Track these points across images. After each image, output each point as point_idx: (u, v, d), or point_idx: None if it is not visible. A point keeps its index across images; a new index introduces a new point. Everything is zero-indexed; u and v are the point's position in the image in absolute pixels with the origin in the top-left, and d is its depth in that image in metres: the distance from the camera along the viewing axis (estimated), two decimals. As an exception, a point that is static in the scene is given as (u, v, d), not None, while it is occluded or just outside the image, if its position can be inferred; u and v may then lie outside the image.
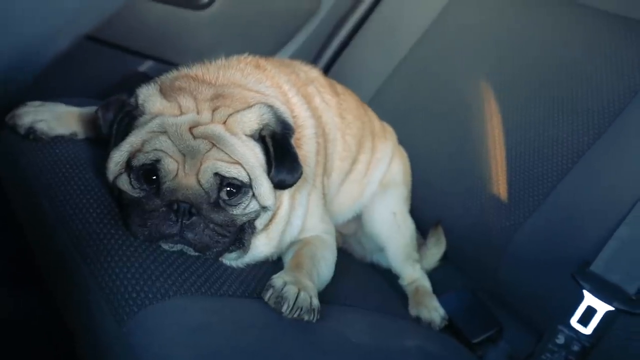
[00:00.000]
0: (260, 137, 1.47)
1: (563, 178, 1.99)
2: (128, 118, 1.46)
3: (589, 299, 1.79)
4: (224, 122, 1.44)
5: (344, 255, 1.97)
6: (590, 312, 1.78)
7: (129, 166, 1.42)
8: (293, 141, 1.54)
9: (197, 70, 1.64)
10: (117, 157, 1.43)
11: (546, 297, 1.95)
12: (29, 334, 1.86)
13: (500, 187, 2.12)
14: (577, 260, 1.85)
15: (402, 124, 2.36)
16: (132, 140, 1.42)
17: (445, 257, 2.23)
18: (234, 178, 1.41)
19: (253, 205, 1.46)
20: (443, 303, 2.02)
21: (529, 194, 2.05)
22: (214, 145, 1.40)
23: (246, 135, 1.46)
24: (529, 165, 2.08)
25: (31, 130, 1.61)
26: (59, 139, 1.66)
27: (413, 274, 2.09)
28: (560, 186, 1.99)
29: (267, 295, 1.38)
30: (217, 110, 1.46)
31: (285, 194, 1.56)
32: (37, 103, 1.68)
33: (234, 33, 2.44)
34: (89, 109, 1.71)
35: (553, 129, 2.04)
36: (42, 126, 1.63)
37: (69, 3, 1.28)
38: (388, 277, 2.11)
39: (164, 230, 1.37)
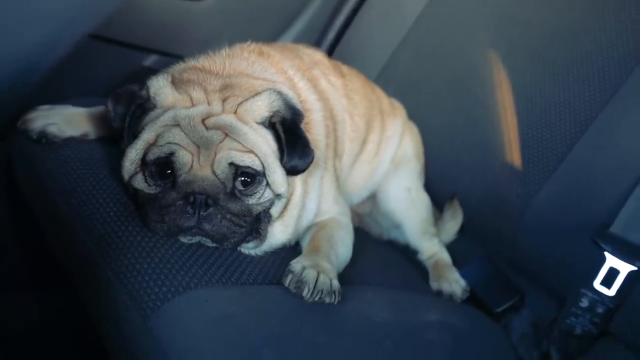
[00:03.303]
0: (270, 124, 1.48)
1: (577, 141, 1.98)
2: (140, 110, 1.47)
3: (610, 261, 1.79)
4: (235, 112, 1.45)
5: (362, 235, 1.98)
6: (612, 273, 1.78)
7: (143, 163, 1.43)
8: (302, 126, 1.55)
9: (203, 61, 1.64)
10: (133, 155, 1.44)
11: (567, 262, 1.94)
12: (53, 340, 1.90)
13: (513, 154, 2.11)
14: (596, 223, 1.85)
15: (411, 98, 2.35)
16: (147, 137, 1.43)
17: (462, 229, 2.22)
18: (248, 167, 1.42)
19: (268, 194, 1.47)
20: (463, 275, 2.02)
21: (543, 160, 2.03)
22: (226, 135, 1.42)
23: (257, 123, 1.47)
24: (541, 131, 2.06)
25: (43, 134, 1.63)
26: (71, 141, 1.68)
27: (431, 248, 2.09)
28: (575, 150, 1.98)
29: (287, 281, 1.40)
30: (227, 100, 1.46)
31: (298, 179, 1.57)
32: (47, 107, 1.69)
33: (236, 21, 2.43)
34: (98, 109, 1.72)
35: (563, 94, 2.02)
36: (53, 129, 1.64)
37: (65, 6, 1.29)
38: (407, 253, 2.11)
39: (182, 223, 1.39)
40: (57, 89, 1.94)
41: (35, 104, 1.71)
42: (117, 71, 2.36)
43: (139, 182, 1.45)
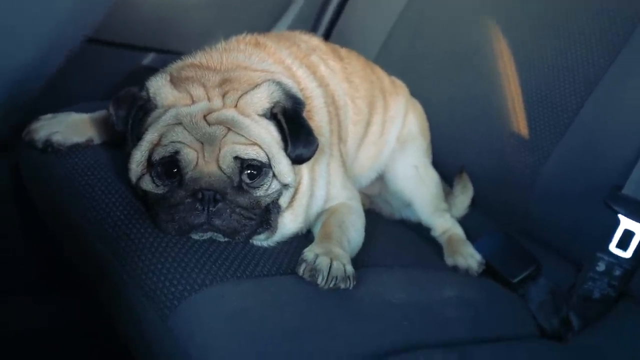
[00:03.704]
0: (272, 115, 1.48)
1: (583, 105, 1.97)
2: (142, 112, 1.47)
3: (625, 223, 1.78)
4: (236, 106, 1.46)
5: (373, 216, 1.98)
6: (628, 235, 1.77)
7: (149, 163, 1.44)
8: (304, 114, 1.54)
9: (200, 57, 1.64)
10: (139, 157, 1.45)
11: (581, 227, 1.94)
12: (73, 342, 1.92)
13: (519, 124, 2.10)
14: (608, 186, 1.84)
15: (412, 75, 2.33)
16: (150, 137, 1.44)
17: (474, 203, 2.22)
18: (254, 159, 1.42)
19: (275, 185, 1.47)
20: (478, 248, 2.02)
21: (550, 127, 2.02)
22: (229, 129, 1.42)
23: (258, 115, 1.47)
24: (546, 97, 2.05)
25: (48, 144, 1.64)
26: (76, 147, 1.69)
27: (444, 223, 2.08)
28: (581, 114, 1.96)
29: (301, 270, 1.40)
30: (227, 94, 1.47)
31: (305, 168, 1.57)
32: (49, 115, 1.70)
33: (229, 12, 2.42)
34: (101, 113, 1.73)
35: (566, 59, 2.01)
36: (57, 138, 1.65)
37: (59, 12, 1.29)
38: (420, 231, 2.11)
39: (192, 220, 1.40)
40: (58, 95, 1.94)
41: (38, 112, 1.72)
42: (117, 73, 2.36)
43: (147, 183, 1.46)
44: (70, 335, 1.91)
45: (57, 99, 1.88)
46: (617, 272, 1.78)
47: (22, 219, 2.06)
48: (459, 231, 2.09)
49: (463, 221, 2.17)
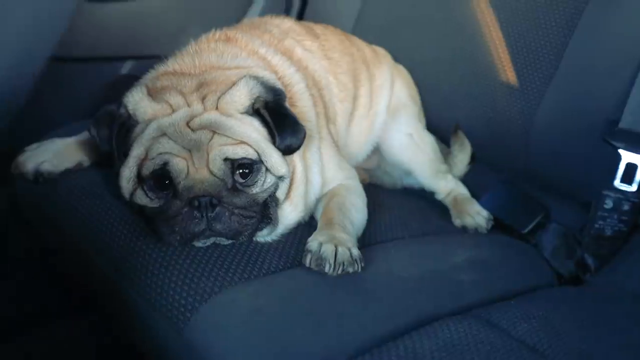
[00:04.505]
0: (254, 111, 1.46)
1: (569, 41, 1.93)
2: (124, 129, 1.46)
3: (626, 157, 1.77)
4: (216, 107, 1.44)
5: (374, 191, 1.97)
6: (631, 168, 1.77)
7: (140, 179, 1.43)
8: (286, 103, 1.52)
9: (173, 64, 1.63)
10: (128, 173, 1.44)
11: (584, 168, 1.92)
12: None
13: (507, 72, 2.07)
14: (605, 122, 1.81)
15: (393, 41, 2.29)
16: (136, 153, 1.43)
17: (473, 159, 2.20)
18: (243, 158, 1.41)
19: (269, 180, 1.46)
20: (484, 204, 2.00)
21: (538, 69, 1.99)
22: (214, 132, 1.41)
23: (241, 113, 1.46)
24: (529, 40, 2.01)
25: (39, 174, 1.64)
26: (67, 173, 1.68)
27: (447, 185, 2.07)
28: (568, 50, 1.93)
29: (307, 261, 1.40)
30: (206, 98, 1.45)
31: (296, 156, 1.56)
32: (34, 145, 1.69)
33: (199, 7, 2.38)
34: (85, 135, 1.72)
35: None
36: (46, 167, 1.65)
37: (18, 34, 1.27)
38: (424, 196, 2.10)
39: (193, 229, 1.39)
40: (44, 120, 1.94)
41: (24, 142, 1.71)
42: (97, 87, 2.34)
43: (141, 198, 1.46)
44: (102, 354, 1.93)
45: (43, 123, 1.88)
46: (626, 207, 1.78)
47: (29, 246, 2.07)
48: (463, 190, 2.07)
49: (466, 179, 2.15)
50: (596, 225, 1.81)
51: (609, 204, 1.79)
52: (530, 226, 1.95)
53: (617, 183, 1.78)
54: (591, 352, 1.33)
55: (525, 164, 2.03)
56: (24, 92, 1.45)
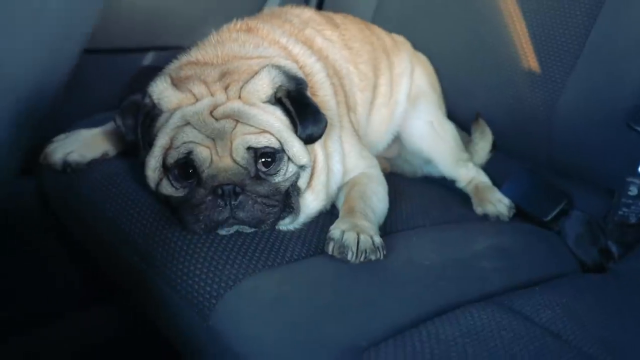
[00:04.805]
0: (277, 100, 1.47)
1: (591, 29, 1.91)
2: (149, 119, 1.48)
3: (650, 142, 1.75)
4: (239, 97, 1.45)
5: (395, 180, 1.97)
6: (655, 155, 1.75)
7: (165, 168, 1.46)
8: (308, 92, 1.53)
9: (196, 54, 1.64)
10: (154, 163, 1.47)
11: (607, 155, 1.91)
12: (126, 351, 1.98)
13: (529, 60, 2.05)
14: (628, 107, 1.79)
15: (413, 29, 2.28)
16: (161, 142, 1.45)
17: (495, 147, 2.19)
18: (266, 147, 1.43)
19: (291, 168, 1.48)
20: (506, 192, 2.00)
21: (560, 58, 1.98)
22: (237, 121, 1.42)
23: (263, 102, 1.47)
24: (552, 29, 2.00)
25: (66, 164, 1.67)
26: (94, 163, 1.71)
27: (468, 173, 2.06)
28: (591, 38, 1.92)
29: (330, 248, 1.41)
30: (229, 87, 1.46)
31: (318, 145, 1.57)
32: (62, 136, 1.72)
33: (219, -1, 2.40)
34: (111, 125, 1.74)
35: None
36: (74, 157, 1.68)
37: (52, 28, 1.29)
38: (445, 185, 2.09)
39: (217, 217, 1.41)
40: (71, 111, 1.97)
41: (51, 133, 1.74)
42: (121, 79, 2.37)
43: (166, 188, 1.48)
44: (124, 345, 1.97)
45: (71, 115, 1.91)
46: (650, 194, 1.76)
47: (55, 237, 2.11)
48: (484, 178, 2.07)
49: (487, 167, 2.14)
50: (620, 213, 1.80)
51: (633, 190, 1.78)
52: (553, 213, 1.94)
53: (641, 169, 1.77)
54: (615, 339, 1.33)
55: (548, 152, 2.02)
56: (61, 85, 1.48)
